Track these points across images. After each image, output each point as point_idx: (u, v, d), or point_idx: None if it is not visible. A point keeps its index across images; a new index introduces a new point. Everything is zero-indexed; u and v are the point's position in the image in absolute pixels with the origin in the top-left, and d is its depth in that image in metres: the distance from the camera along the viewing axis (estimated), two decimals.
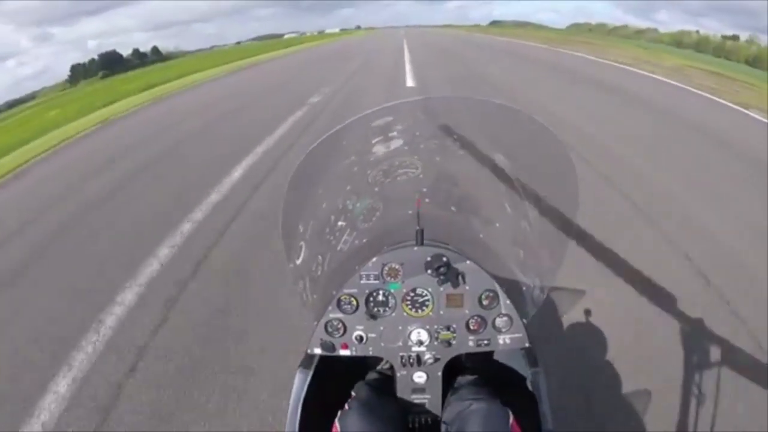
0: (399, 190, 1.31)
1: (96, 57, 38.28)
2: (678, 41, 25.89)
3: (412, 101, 1.44)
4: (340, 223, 1.32)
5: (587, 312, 2.41)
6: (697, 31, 26.30)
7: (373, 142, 1.32)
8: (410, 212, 1.18)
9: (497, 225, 1.34)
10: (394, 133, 1.30)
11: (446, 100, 1.74)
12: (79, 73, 35.14)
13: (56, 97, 25.45)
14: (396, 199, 1.32)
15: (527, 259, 1.30)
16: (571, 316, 2.51)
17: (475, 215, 1.38)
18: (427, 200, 1.21)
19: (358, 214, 1.33)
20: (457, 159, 1.31)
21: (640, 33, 30.18)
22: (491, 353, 1.28)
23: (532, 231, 1.29)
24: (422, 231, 1.15)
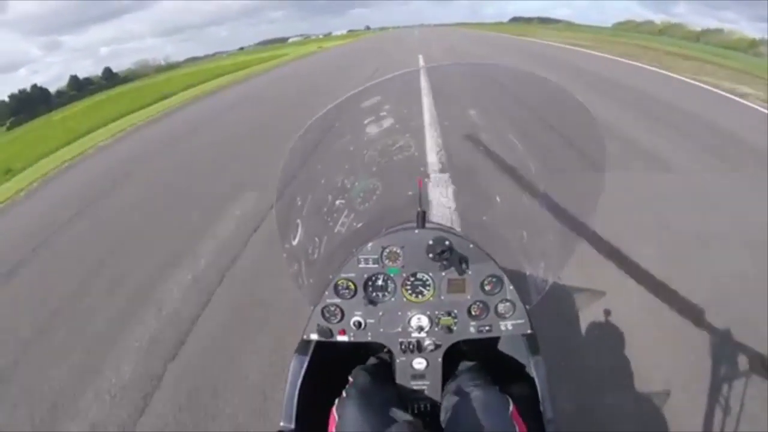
0: (397, 171, 1.26)
1: (7, 98, 28.65)
2: None
3: (402, 74, 1.33)
4: (338, 204, 1.28)
5: (607, 312, 2.29)
6: None
7: (365, 122, 1.27)
8: (410, 193, 1.13)
9: (503, 207, 1.29)
10: (384, 112, 1.25)
11: (435, 70, 1.64)
12: None
13: None
14: (394, 179, 1.28)
15: (534, 244, 1.25)
16: None
17: (479, 196, 1.32)
18: (428, 180, 1.16)
19: (357, 194, 1.28)
20: (454, 134, 1.25)
21: (753, 44, 18.07)
22: (493, 339, 1.23)
23: (541, 214, 1.23)
24: (424, 213, 1.10)
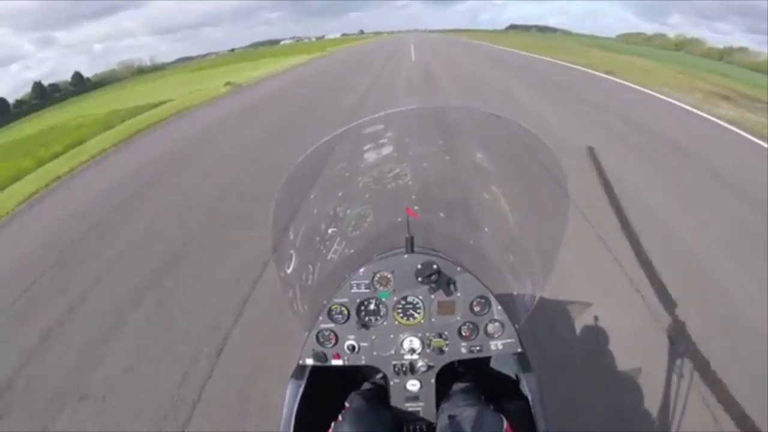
0: (389, 198, 1.30)
1: None
2: None
3: (403, 110, 1.42)
4: (330, 231, 1.31)
5: (596, 318, 2.38)
6: None
7: (364, 149, 1.32)
8: (400, 220, 1.17)
9: (487, 231, 1.34)
10: (384, 140, 1.30)
11: (437, 110, 1.75)
12: None
13: None
14: (386, 207, 1.32)
15: (518, 265, 1.30)
16: None
17: (465, 222, 1.38)
18: (416, 208, 1.21)
19: (349, 222, 1.32)
20: (447, 167, 1.31)
21: None
22: (485, 359, 1.27)
23: (522, 236, 1.29)
24: (412, 238, 1.14)
